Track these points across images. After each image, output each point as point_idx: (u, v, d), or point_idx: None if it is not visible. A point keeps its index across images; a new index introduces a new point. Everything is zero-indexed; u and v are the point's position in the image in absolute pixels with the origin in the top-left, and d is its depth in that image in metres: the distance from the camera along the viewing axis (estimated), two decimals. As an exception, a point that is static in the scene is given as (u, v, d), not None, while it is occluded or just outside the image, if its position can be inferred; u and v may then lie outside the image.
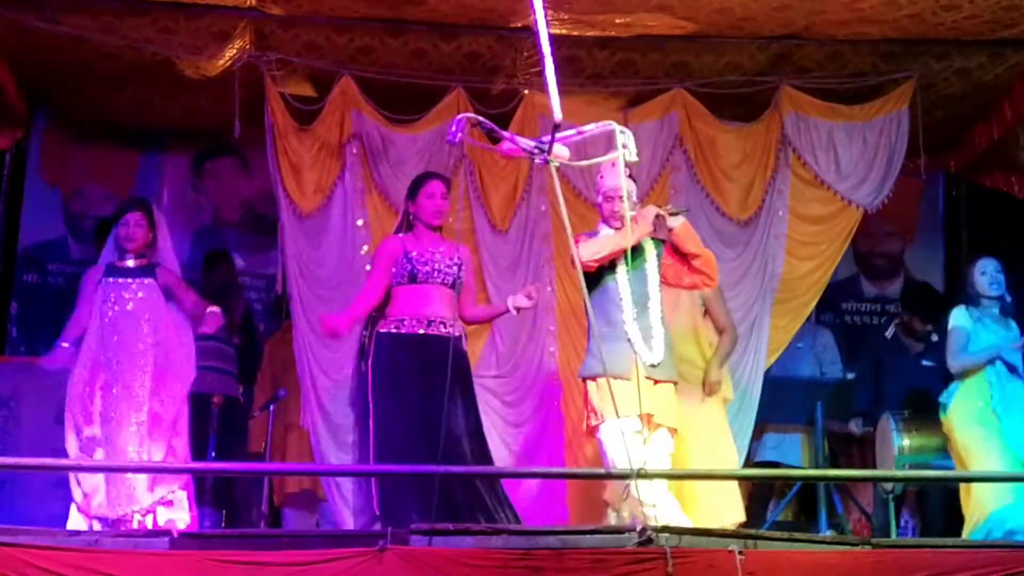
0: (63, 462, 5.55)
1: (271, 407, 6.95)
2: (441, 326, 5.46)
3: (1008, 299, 6.16)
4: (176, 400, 5.76)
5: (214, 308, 5.82)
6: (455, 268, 5.57)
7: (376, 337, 5.49)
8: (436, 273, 5.49)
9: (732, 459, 6.15)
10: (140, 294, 5.75)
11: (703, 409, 6.04)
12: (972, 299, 6.20)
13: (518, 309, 5.60)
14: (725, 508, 5.94)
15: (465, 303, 5.73)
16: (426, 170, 6.13)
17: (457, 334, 5.55)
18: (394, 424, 5.33)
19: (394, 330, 5.46)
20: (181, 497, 5.66)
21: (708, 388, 6.06)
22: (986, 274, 6.18)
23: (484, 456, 5.53)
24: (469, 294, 5.79)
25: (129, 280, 5.78)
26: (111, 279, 5.78)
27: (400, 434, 5.29)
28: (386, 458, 5.29)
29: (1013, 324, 6.15)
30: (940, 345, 6.36)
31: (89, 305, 5.77)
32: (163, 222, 5.99)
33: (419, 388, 5.27)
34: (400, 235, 5.66)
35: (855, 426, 7.16)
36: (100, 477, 5.55)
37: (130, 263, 5.83)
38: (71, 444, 5.62)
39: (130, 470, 5.59)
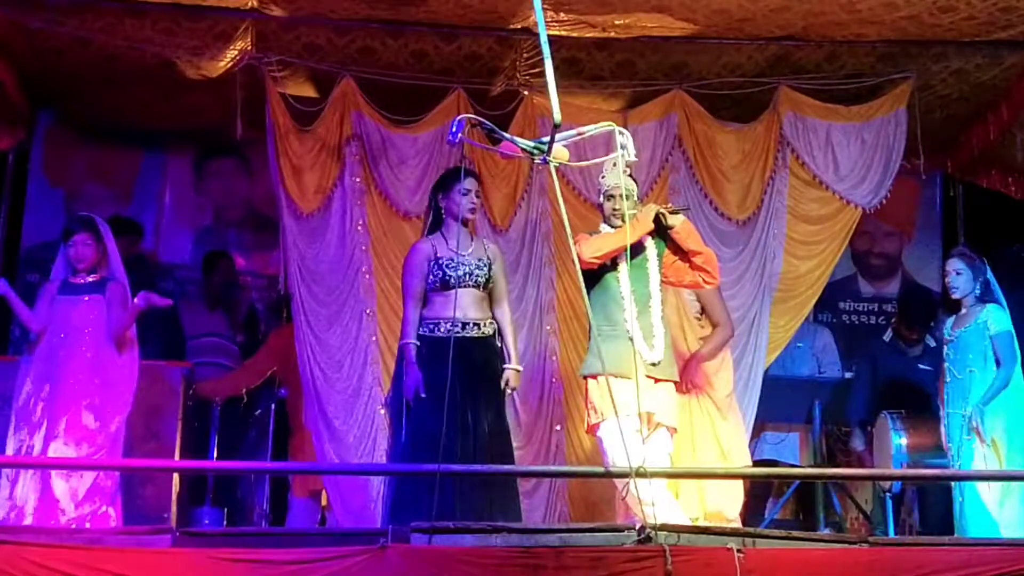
0: (63, 461, 5.57)
1: (271, 406, 6.98)
2: (475, 328, 5.47)
3: (978, 292, 6.12)
4: (113, 419, 5.76)
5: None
6: (485, 269, 5.56)
7: None
8: (468, 277, 5.48)
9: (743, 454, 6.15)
10: (88, 311, 5.81)
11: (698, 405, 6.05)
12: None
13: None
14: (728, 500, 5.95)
15: (497, 299, 5.69)
16: (456, 166, 6.07)
17: (491, 333, 5.55)
18: (429, 426, 5.32)
19: (428, 333, 5.46)
20: (111, 514, 5.67)
21: (685, 384, 5.85)
22: (947, 275, 6.23)
23: (506, 457, 5.52)
24: (501, 291, 5.70)
25: (81, 296, 5.85)
26: (64, 296, 5.85)
27: (435, 436, 5.27)
28: (421, 460, 5.27)
29: (990, 309, 6.06)
30: (937, 350, 6.39)
31: (40, 316, 5.86)
32: (110, 236, 6.00)
33: (455, 390, 5.26)
34: (429, 239, 5.61)
35: (858, 444, 7.19)
36: (31, 489, 5.58)
37: (82, 280, 5.88)
38: (10, 451, 5.68)
39: (124, 468, 5.62)
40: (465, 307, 5.42)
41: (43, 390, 5.71)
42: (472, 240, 5.63)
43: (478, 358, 5.43)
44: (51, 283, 5.94)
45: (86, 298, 5.83)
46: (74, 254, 5.86)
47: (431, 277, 5.49)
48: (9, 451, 5.69)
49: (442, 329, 5.43)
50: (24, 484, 5.62)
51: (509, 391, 5.61)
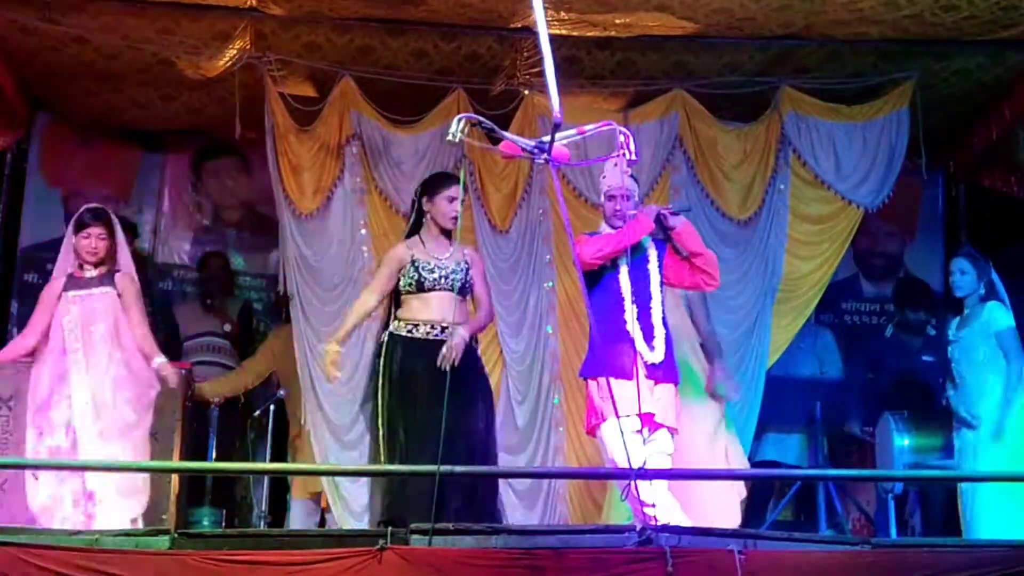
0: (63, 462, 5.55)
1: (270, 407, 6.96)
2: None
3: (982, 292, 6.14)
4: (143, 408, 5.77)
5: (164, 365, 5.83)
6: (461, 273, 5.51)
7: (389, 338, 5.45)
8: (443, 280, 5.45)
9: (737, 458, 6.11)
10: (101, 304, 5.77)
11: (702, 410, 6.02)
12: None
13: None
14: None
15: (475, 305, 5.64)
16: (444, 171, 6.07)
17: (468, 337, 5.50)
18: (401, 425, 5.31)
19: (407, 333, 5.42)
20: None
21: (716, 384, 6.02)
22: (952, 274, 6.23)
23: (491, 459, 5.48)
24: (481, 297, 5.63)
25: (91, 291, 5.79)
26: (72, 292, 5.78)
27: (407, 437, 5.27)
28: (392, 459, 5.25)
29: (991, 307, 6.09)
30: (939, 339, 6.38)
31: (47, 316, 5.78)
32: (120, 230, 5.98)
33: (429, 392, 5.26)
34: (407, 242, 5.58)
35: (855, 427, 7.16)
36: (66, 490, 5.56)
37: (90, 273, 5.83)
38: (30, 454, 5.64)
39: (125, 470, 5.61)
40: (442, 310, 5.38)
41: (66, 388, 5.67)
42: (451, 245, 5.58)
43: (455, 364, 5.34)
44: (54, 280, 5.88)
45: (97, 291, 5.80)
46: (88, 246, 5.79)
47: (406, 279, 5.45)
48: (30, 454, 5.63)
49: (420, 331, 5.41)
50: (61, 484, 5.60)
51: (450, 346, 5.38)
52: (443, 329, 5.39)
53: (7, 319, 7.72)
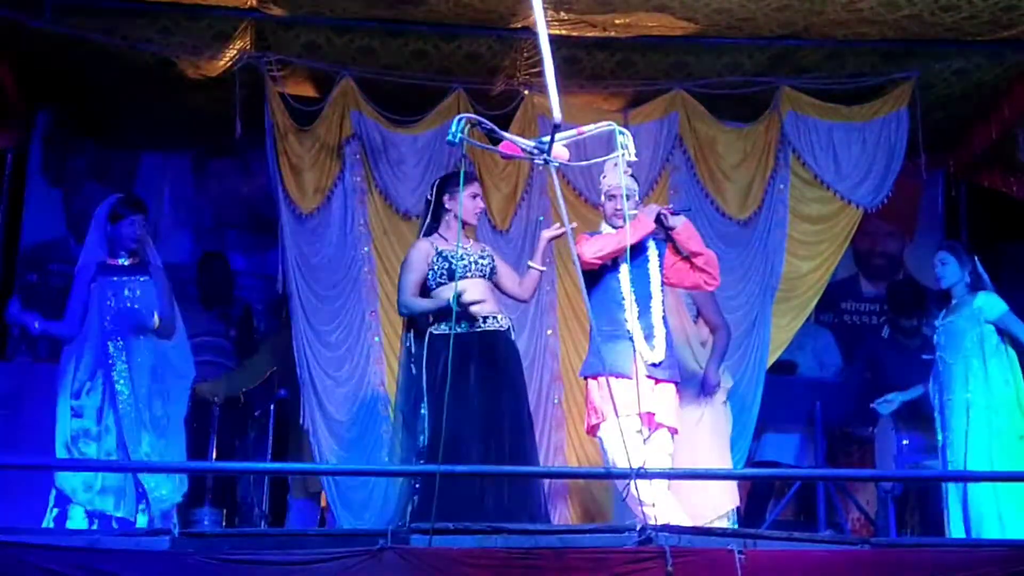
0: (63, 462, 5.55)
1: (271, 407, 6.97)
2: (494, 320, 5.44)
3: (967, 280, 6.15)
4: (180, 398, 5.80)
5: None
6: (488, 259, 5.54)
7: (430, 339, 5.39)
8: (473, 266, 5.45)
9: (725, 459, 6.11)
10: (139, 291, 5.81)
11: (702, 410, 6.02)
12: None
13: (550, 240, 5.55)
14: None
15: (510, 285, 5.64)
16: (460, 169, 6.08)
17: (507, 327, 5.51)
18: (453, 423, 5.22)
19: (448, 330, 5.31)
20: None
21: (707, 389, 6.02)
22: (935, 266, 6.27)
23: (527, 454, 5.44)
24: (511, 276, 5.67)
25: (127, 277, 5.83)
26: (109, 277, 5.81)
27: (460, 433, 5.18)
28: (445, 459, 5.19)
29: (982, 296, 6.09)
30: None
31: (83, 302, 5.81)
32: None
33: (479, 386, 5.24)
34: (428, 238, 5.55)
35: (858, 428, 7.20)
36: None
37: (125, 261, 5.87)
38: (61, 434, 5.67)
39: (130, 469, 5.62)
40: (479, 297, 5.37)
41: (101, 375, 5.70)
42: (467, 238, 5.61)
43: (500, 354, 5.39)
44: (84, 269, 5.87)
45: (135, 280, 5.83)
46: (129, 234, 5.84)
47: (435, 269, 5.43)
48: (59, 436, 5.67)
49: (462, 325, 5.32)
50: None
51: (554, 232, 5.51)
52: (484, 319, 5.39)
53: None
